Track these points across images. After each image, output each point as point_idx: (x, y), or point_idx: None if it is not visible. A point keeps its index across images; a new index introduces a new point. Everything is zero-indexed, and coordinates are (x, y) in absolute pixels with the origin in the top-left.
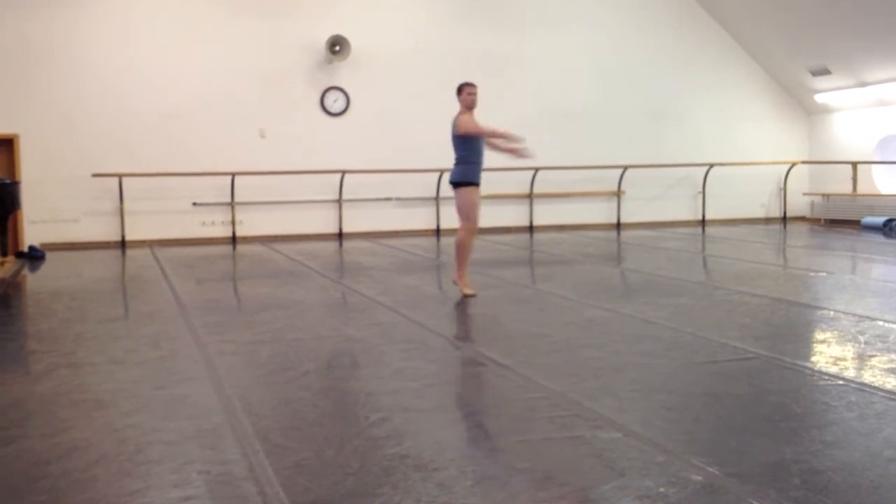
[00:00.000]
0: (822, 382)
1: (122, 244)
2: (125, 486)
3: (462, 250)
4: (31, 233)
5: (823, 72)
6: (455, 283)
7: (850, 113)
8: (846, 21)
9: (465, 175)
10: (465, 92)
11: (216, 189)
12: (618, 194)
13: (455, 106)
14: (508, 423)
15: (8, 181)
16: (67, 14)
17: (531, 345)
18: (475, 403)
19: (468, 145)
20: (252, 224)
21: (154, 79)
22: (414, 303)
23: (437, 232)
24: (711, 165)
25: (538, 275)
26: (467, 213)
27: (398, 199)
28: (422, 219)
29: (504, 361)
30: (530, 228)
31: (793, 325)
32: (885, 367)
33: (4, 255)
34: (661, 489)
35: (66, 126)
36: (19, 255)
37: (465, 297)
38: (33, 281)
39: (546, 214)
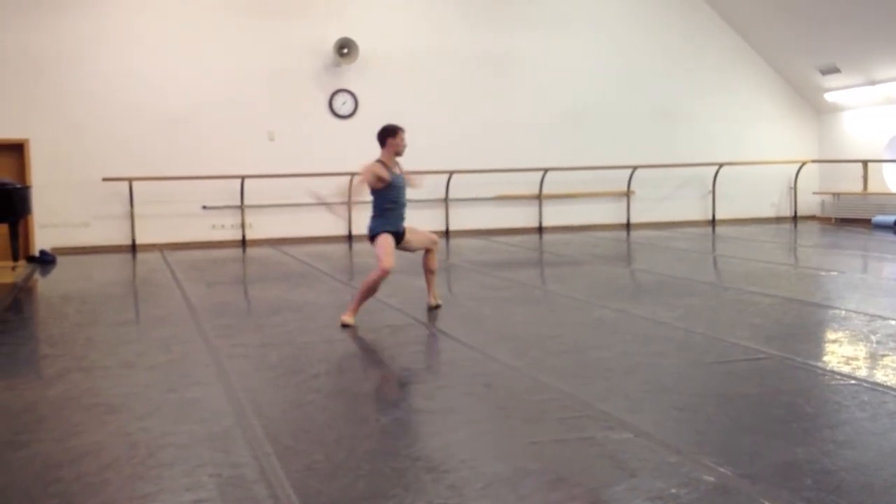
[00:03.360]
0: (833, 382)
1: (133, 248)
2: (137, 490)
3: (367, 291)
4: (42, 237)
5: (833, 70)
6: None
7: (860, 111)
8: (855, 19)
9: (376, 227)
10: (399, 137)
11: (226, 192)
12: (627, 195)
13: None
14: (519, 425)
15: (18, 186)
16: (75, 21)
17: (541, 346)
18: (485, 405)
19: (380, 195)
20: (261, 227)
21: (162, 83)
22: (423, 305)
23: (447, 234)
24: (721, 165)
25: (548, 276)
26: (380, 257)
27: (406, 200)
28: (430, 221)
29: (514, 363)
30: (539, 229)
31: (804, 325)
32: None
33: (16, 259)
34: (673, 490)
35: (75, 131)
36: (30, 259)
37: (344, 325)
38: (44, 285)
39: (555, 215)
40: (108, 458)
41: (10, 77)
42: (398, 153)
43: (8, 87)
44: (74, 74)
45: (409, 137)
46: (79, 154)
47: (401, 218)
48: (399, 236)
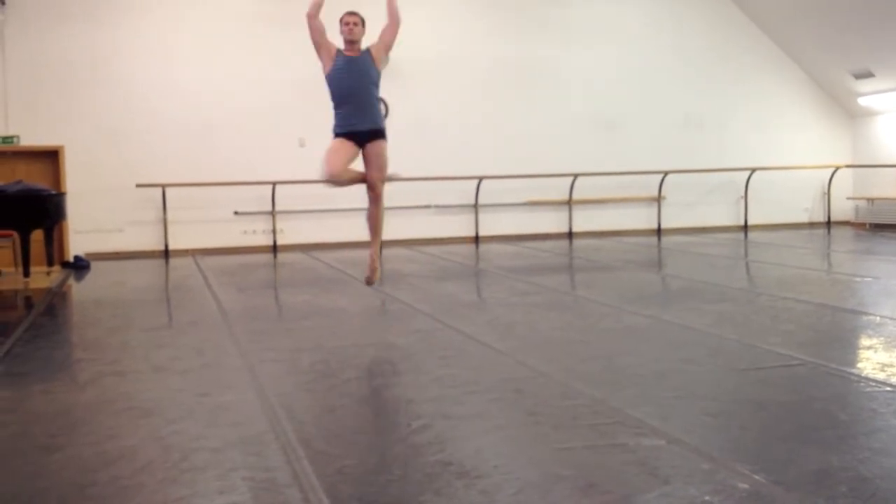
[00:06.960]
0: (868, 389)
1: (166, 253)
2: (171, 493)
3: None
4: (76, 243)
5: (866, 74)
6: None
7: (895, 116)
8: (888, 22)
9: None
10: (342, 21)
11: (257, 198)
12: (658, 200)
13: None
14: (550, 431)
15: (53, 192)
16: (110, 29)
17: (571, 351)
18: (516, 410)
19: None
20: (292, 232)
21: (195, 91)
22: (453, 310)
23: (476, 239)
24: (753, 170)
25: (578, 281)
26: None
27: (436, 206)
28: (460, 226)
29: (544, 368)
30: (569, 235)
31: (838, 331)
32: None
33: (51, 264)
34: (707, 497)
35: (109, 137)
36: (65, 264)
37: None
38: (78, 290)
39: (585, 220)
40: (141, 462)
41: (45, 85)
42: (347, 39)
43: (44, 94)
44: (109, 83)
45: (440, 142)
46: (113, 161)
47: (349, 115)
48: (357, 140)
